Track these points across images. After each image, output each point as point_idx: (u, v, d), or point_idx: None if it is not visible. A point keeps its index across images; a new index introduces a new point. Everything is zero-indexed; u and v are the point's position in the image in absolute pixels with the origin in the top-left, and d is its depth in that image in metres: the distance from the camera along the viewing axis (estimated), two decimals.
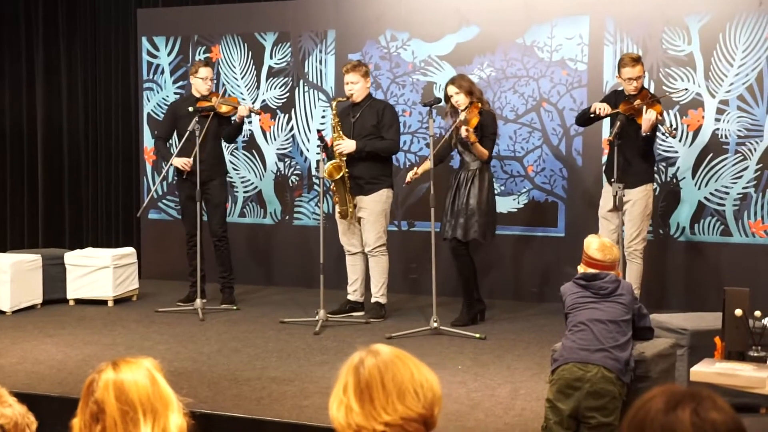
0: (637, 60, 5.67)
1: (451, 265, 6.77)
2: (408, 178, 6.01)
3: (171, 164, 6.55)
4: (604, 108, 5.70)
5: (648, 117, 5.52)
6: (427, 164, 5.99)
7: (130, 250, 7.00)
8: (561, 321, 4.09)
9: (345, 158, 6.11)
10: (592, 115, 5.78)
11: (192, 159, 6.41)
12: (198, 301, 6.33)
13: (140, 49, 7.95)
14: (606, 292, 3.78)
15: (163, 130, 6.86)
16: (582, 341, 3.73)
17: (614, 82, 6.42)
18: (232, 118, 6.60)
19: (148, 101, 7.94)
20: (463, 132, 5.70)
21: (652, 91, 6.27)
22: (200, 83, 6.61)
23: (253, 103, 7.57)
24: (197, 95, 6.62)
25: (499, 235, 6.83)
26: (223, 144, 6.81)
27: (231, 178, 7.58)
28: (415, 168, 6.06)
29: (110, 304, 6.69)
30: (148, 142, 7.93)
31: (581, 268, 3.91)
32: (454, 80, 5.96)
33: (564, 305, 3.91)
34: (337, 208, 6.24)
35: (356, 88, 6.15)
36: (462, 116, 5.82)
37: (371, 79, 6.36)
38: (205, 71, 6.59)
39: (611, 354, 3.67)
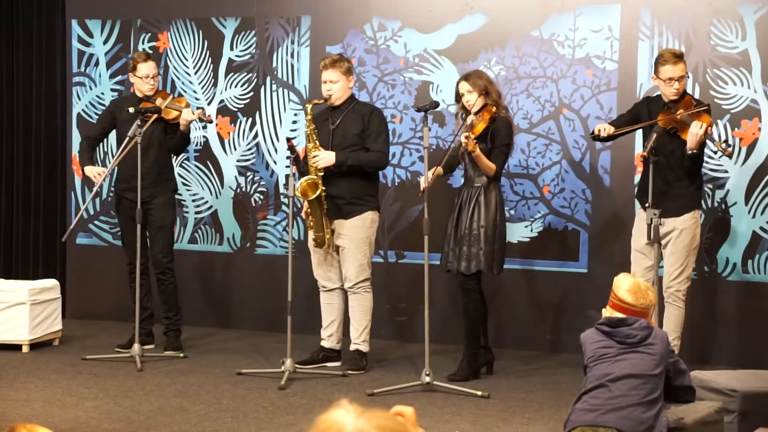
0: (679, 56, 5.72)
1: (448, 305, 6.78)
2: (423, 185, 5.85)
3: (95, 187, 6.54)
4: (605, 128, 5.82)
5: (695, 131, 5.54)
6: (438, 170, 5.99)
7: (52, 283, 6.96)
8: (582, 376, 4.08)
9: (322, 174, 6.12)
10: (592, 136, 5.99)
11: (127, 171, 6.41)
12: (135, 347, 6.30)
13: (69, 36, 7.95)
14: (634, 341, 3.79)
15: (94, 130, 6.87)
16: (594, 400, 3.74)
17: (650, 84, 6.46)
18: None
19: (79, 99, 7.93)
20: (462, 138, 5.73)
21: (697, 97, 6.31)
22: (140, 83, 6.60)
23: (208, 104, 7.58)
24: (140, 95, 6.63)
25: (507, 269, 6.83)
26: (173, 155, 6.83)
27: (180, 195, 7.56)
28: (428, 172, 5.97)
29: (26, 349, 6.63)
30: (77, 149, 7.90)
31: (606, 312, 3.91)
32: (468, 76, 6.01)
33: (583, 356, 3.91)
34: (312, 235, 6.23)
35: (336, 88, 6.16)
36: (469, 120, 5.86)
37: (354, 77, 6.38)
38: (145, 68, 6.57)
39: (629, 413, 3.67)
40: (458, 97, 6.03)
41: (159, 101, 6.54)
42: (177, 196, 7.01)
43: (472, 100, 5.92)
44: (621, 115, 6.12)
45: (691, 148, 5.57)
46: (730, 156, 5.87)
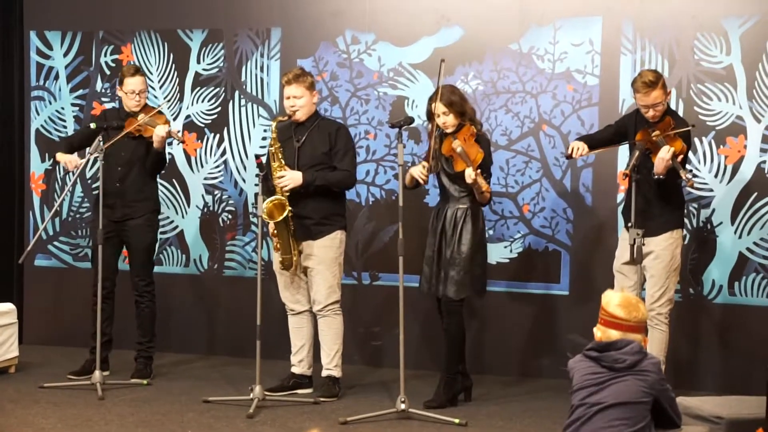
0: (651, 84, 5.68)
1: (424, 329, 6.79)
2: (421, 174, 5.96)
3: (74, 175, 6.49)
4: (578, 148, 5.88)
5: (662, 156, 5.58)
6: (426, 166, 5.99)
7: (8, 307, 6.93)
8: (564, 402, 4.11)
9: (288, 194, 6.13)
10: (566, 156, 6.04)
11: (105, 188, 6.40)
12: (96, 374, 6.28)
13: (28, 48, 7.94)
14: (623, 366, 3.77)
15: (75, 136, 6.84)
16: None
17: (632, 100, 6.51)
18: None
19: (38, 114, 7.91)
20: (469, 176, 5.69)
21: (681, 113, 6.38)
22: (126, 98, 6.62)
23: (174, 119, 7.58)
24: (127, 110, 6.64)
25: (486, 291, 6.87)
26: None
27: None
28: (423, 162, 6.02)
29: None
30: (36, 166, 7.90)
31: (597, 331, 3.91)
32: (442, 94, 5.95)
33: (571, 385, 3.91)
34: (278, 257, 6.25)
35: (300, 104, 6.19)
36: (457, 147, 5.83)
37: (320, 93, 6.38)
38: (132, 83, 6.58)
39: None
40: (430, 116, 6.04)
41: (140, 117, 6.54)
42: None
43: (449, 122, 5.93)
44: (607, 126, 6.16)
45: (658, 172, 5.63)
46: (691, 186, 5.86)
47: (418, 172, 5.99)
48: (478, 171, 5.73)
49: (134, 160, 6.58)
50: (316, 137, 6.21)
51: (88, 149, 6.41)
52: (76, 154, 6.69)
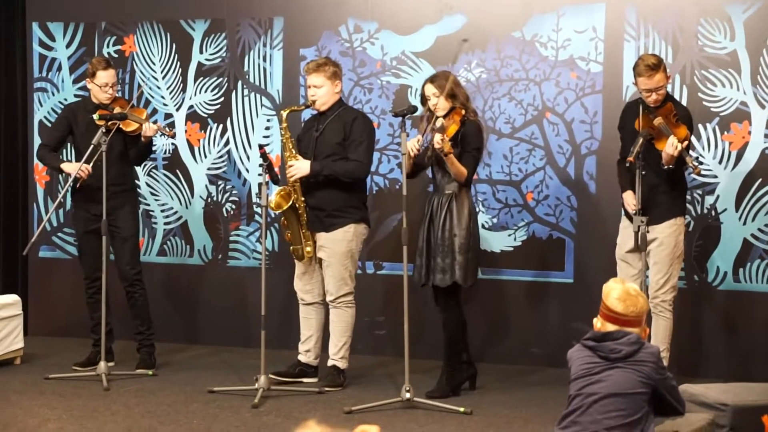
0: (654, 67, 5.70)
1: (429, 318, 6.80)
2: (414, 145, 5.88)
3: (68, 183, 6.50)
4: (634, 204, 5.66)
5: (669, 152, 5.56)
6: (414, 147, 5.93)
7: (13, 299, 6.96)
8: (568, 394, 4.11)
9: (298, 183, 6.14)
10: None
11: (92, 174, 6.40)
12: (101, 365, 6.30)
13: (30, 39, 7.94)
14: (618, 356, 3.78)
15: (51, 137, 6.85)
16: (575, 426, 3.74)
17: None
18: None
19: (41, 106, 7.92)
20: (437, 140, 5.76)
21: (684, 101, 6.37)
22: (98, 91, 6.60)
23: (177, 110, 7.59)
24: (96, 102, 6.63)
25: (490, 280, 6.88)
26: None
27: (149, 205, 7.57)
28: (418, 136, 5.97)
29: None
30: (39, 156, 7.88)
31: (597, 322, 3.91)
32: (434, 78, 6.05)
33: (570, 374, 3.93)
34: (291, 248, 6.27)
35: (320, 93, 6.18)
36: (438, 123, 5.88)
37: (341, 82, 6.38)
38: (105, 76, 6.56)
39: None
40: (424, 100, 6.06)
41: (117, 110, 6.54)
42: (144, 206, 7.03)
43: (440, 103, 5.96)
44: (621, 141, 6.06)
45: (666, 163, 5.63)
46: (698, 173, 5.83)
47: (412, 143, 5.89)
48: (446, 139, 5.74)
49: (112, 153, 6.52)
50: (334, 127, 6.21)
51: (92, 141, 6.37)
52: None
